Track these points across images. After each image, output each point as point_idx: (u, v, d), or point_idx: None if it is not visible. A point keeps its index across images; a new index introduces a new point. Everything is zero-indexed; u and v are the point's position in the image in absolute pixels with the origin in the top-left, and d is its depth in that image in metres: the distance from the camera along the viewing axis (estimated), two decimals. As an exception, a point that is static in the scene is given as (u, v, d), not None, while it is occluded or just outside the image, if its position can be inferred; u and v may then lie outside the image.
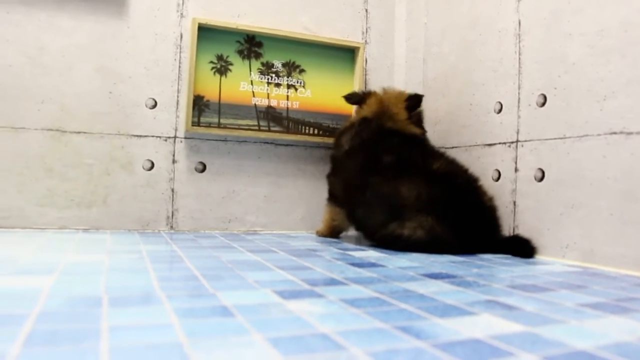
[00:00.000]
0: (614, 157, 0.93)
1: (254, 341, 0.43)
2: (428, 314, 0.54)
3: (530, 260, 1.01)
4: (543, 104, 1.10)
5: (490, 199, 1.15)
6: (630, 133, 0.91)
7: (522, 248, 1.06)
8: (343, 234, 1.34)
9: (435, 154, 1.20)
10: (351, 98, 1.34)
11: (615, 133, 0.94)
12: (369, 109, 1.27)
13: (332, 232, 1.32)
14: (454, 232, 1.05)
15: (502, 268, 0.89)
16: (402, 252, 1.05)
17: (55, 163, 1.23)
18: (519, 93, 1.16)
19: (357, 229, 1.23)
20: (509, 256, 1.05)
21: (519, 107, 1.16)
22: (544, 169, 1.08)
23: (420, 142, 1.24)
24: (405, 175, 1.11)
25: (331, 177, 1.32)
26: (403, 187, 1.09)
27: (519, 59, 1.16)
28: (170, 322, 0.47)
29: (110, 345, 0.40)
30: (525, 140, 1.14)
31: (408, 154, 1.16)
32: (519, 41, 1.17)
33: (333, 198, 1.30)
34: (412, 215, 1.06)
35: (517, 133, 1.16)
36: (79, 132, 1.25)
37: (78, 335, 0.43)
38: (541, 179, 1.09)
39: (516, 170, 1.15)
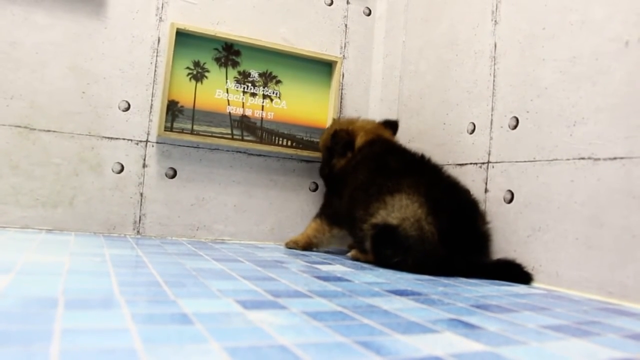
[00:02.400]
0: (582, 182, 0.95)
1: (211, 350, 0.42)
2: (390, 330, 0.54)
3: (497, 282, 1.01)
4: (515, 127, 1.11)
5: (486, 223, 1.14)
6: (597, 159, 0.92)
7: (519, 273, 1.02)
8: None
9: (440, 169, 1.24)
10: (339, 142, 1.31)
11: (583, 158, 0.95)
12: (364, 137, 1.30)
13: (306, 247, 1.31)
14: (444, 241, 1.04)
15: (467, 287, 0.89)
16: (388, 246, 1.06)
17: (21, 161, 1.20)
18: (492, 115, 1.18)
19: (353, 235, 1.24)
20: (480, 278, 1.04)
21: (491, 128, 1.17)
22: (513, 190, 1.09)
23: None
24: (411, 175, 1.13)
25: (331, 193, 1.33)
26: (404, 181, 1.11)
27: (494, 81, 1.18)
28: (126, 327, 0.46)
29: (62, 348, 0.39)
30: (496, 162, 1.15)
31: (417, 161, 1.22)
32: (494, 64, 1.18)
33: (328, 215, 1.30)
34: (404, 204, 1.07)
35: (489, 154, 1.17)
36: (48, 131, 1.23)
37: (29, 337, 0.41)
38: (510, 201, 1.10)
39: (486, 191, 1.16)
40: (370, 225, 1.11)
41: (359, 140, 1.30)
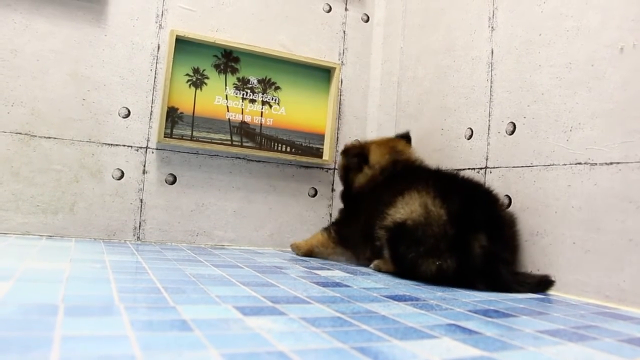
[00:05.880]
0: (578, 186, 0.95)
1: (209, 356, 0.42)
2: (388, 336, 0.54)
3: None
4: (512, 132, 1.12)
5: (511, 217, 1.08)
6: (594, 164, 0.93)
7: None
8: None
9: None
10: (350, 153, 1.30)
11: (580, 163, 0.96)
12: (381, 156, 1.27)
13: (307, 255, 1.32)
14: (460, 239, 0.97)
15: (465, 292, 0.89)
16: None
17: (22, 167, 1.21)
18: (489, 120, 1.18)
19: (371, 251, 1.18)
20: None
21: (488, 134, 1.18)
22: (511, 195, 1.10)
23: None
24: (423, 178, 1.10)
25: (347, 212, 1.31)
26: (415, 183, 1.07)
27: (491, 87, 1.19)
28: (126, 334, 0.47)
29: (61, 356, 0.39)
30: (494, 167, 1.15)
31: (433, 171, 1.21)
32: (491, 70, 1.19)
33: (338, 232, 1.29)
34: (411, 200, 1.04)
35: (486, 159, 1.18)
36: (48, 137, 1.24)
37: (28, 344, 0.42)
38: (508, 206, 1.10)
39: (484, 196, 1.17)
40: (384, 230, 1.07)
41: (376, 156, 1.27)
